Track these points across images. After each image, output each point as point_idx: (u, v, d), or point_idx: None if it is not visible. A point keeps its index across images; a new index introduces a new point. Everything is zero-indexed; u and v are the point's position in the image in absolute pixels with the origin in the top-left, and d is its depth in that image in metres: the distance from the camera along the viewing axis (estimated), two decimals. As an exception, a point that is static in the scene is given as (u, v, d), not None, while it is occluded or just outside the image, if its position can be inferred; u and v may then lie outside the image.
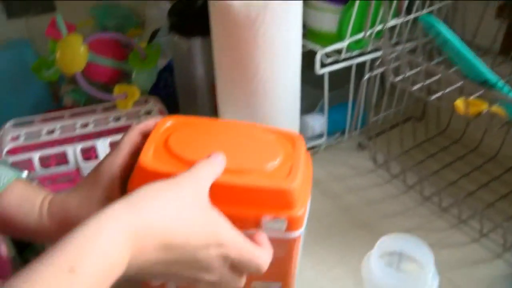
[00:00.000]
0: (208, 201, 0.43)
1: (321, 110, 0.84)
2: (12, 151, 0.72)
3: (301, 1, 0.64)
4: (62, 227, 0.48)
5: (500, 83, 0.60)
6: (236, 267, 0.43)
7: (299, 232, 0.49)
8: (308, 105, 0.88)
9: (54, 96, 0.95)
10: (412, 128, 0.87)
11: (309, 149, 0.84)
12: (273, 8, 0.60)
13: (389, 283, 0.46)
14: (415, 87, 0.67)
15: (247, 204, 0.47)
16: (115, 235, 0.35)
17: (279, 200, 0.47)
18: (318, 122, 0.84)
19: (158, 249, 0.38)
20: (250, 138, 0.54)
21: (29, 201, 0.48)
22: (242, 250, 0.43)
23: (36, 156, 0.70)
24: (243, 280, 0.45)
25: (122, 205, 0.38)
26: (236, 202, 0.45)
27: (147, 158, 0.48)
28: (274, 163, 0.49)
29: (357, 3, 0.71)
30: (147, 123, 0.54)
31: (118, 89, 0.78)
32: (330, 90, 0.89)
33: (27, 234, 0.48)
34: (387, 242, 0.49)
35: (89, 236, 0.34)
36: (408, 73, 0.69)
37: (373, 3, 0.71)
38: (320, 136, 0.85)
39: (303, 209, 0.48)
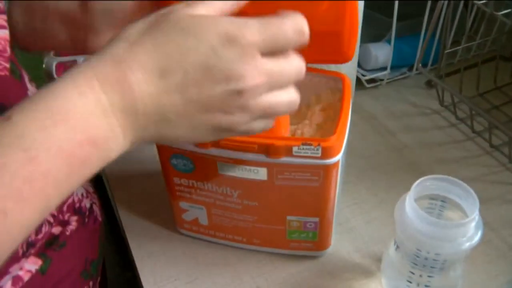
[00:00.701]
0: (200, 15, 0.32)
1: (390, 40, 0.74)
2: (62, 53, 0.72)
3: None
4: None
5: None
6: (274, 52, 0.32)
7: (337, 159, 0.44)
8: (378, 35, 0.79)
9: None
10: (494, 69, 0.75)
11: (370, 81, 0.76)
12: None
13: (422, 228, 0.39)
14: (503, 12, 0.56)
15: None
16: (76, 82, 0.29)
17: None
18: (382, 52, 0.75)
19: (149, 80, 0.29)
20: None
21: None
22: (262, 27, 0.31)
23: (80, 59, 0.69)
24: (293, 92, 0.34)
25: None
26: None
27: None
28: None
29: None
30: None
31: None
32: (404, 19, 0.79)
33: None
34: (427, 184, 0.42)
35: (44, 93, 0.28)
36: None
37: None
38: (383, 68, 0.76)
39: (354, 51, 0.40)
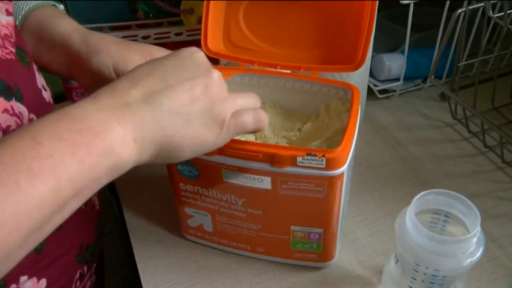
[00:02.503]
0: None
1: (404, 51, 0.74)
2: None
3: None
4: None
5: None
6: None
7: (341, 170, 0.44)
8: (394, 45, 0.79)
9: (132, 10, 0.95)
10: (510, 83, 0.73)
11: (382, 92, 0.76)
12: None
13: (421, 243, 0.39)
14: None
15: None
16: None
17: None
18: (396, 63, 0.74)
19: (134, 82, 0.36)
20: None
21: (50, 22, 0.50)
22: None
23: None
24: None
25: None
26: None
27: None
28: None
29: None
30: None
31: (184, 4, 0.74)
32: (421, 30, 0.78)
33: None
34: (429, 198, 0.42)
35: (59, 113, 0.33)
36: (509, 11, 0.57)
37: None
38: (397, 79, 0.75)
39: None
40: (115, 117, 0.33)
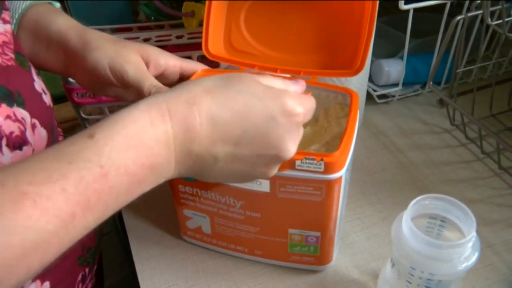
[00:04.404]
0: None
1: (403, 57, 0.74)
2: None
3: None
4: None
5: None
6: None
7: (339, 174, 0.45)
8: (394, 51, 0.79)
9: (133, 13, 0.95)
10: (508, 91, 0.74)
11: (381, 97, 0.76)
12: None
13: (417, 247, 0.39)
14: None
15: None
16: (140, 112, 0.33)
17: None
18: (395, 69, 0.75)
19: (212, 126, 0.34)
20: None
21: (46, 20, 0.49)
22: (309, 109, 0.39)
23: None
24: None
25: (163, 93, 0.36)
26: None
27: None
28: None
29: None
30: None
31: (186, 7, 0.75)
32: (421, 36, 0.79)
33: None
34: (426, 203, 0.42)
35: (115, 117, 0.32)
36: (508, 19, 0.58)
37: None
38: (396, 85, 0.76)
39: None
40: (176, 159, 0.34)
